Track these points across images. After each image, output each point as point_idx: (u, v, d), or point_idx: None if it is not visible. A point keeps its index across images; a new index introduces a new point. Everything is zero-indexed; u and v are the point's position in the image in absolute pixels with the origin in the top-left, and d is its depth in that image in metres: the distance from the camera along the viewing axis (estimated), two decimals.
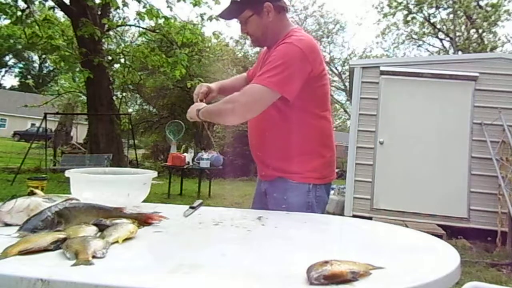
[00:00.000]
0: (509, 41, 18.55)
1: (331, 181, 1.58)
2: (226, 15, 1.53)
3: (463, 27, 18.52)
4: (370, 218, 4.75)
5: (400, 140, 5.40)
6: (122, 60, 10.62)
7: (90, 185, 1.29)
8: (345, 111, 23.83)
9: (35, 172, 9.34)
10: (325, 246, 1.02)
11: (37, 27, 8.35)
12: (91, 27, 7.76)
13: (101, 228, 0.97)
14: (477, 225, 5.01)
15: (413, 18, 18.86)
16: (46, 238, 0.85)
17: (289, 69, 1.35)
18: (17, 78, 45.11)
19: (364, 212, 5.31)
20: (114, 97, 11.89)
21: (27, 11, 8.20)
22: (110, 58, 10.26)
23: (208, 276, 0.74)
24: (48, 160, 9.57)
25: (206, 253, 0.89)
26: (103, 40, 9.75)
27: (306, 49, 1.38)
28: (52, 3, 8.92)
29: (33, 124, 27.41)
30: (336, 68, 22.45)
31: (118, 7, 8.32)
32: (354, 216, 5.07)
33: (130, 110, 16.54)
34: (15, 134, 27.82)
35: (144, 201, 1.39)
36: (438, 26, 19.09)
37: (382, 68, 5.49)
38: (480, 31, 17.71)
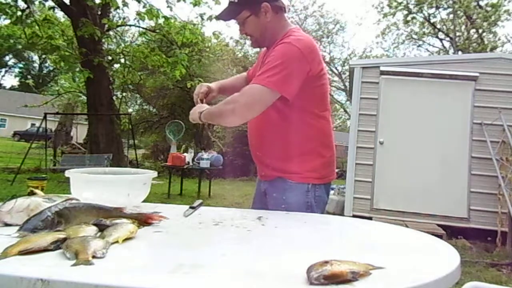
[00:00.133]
0: (509, 41, 18.57)
1: (331, 181, 1.58)
2: (224, 16, 1.54)
3: (463, 27, 18.52)
4: (370, 218, 4.75)
5: (400, 140, 5.40)
6: (122, 60, 10.62)
7: (90, 185, 1.29)
8: (345, 111, 23.84)
9: (35, 172, 9.34)
10: (325, 246, 1.02)
11: (37, 27, 8.35)
12: (91, 27, 7.77)
13: (101, 228, 0.97)
14: (477, 225, 5.01)
15: (413, 18, 18.88)
16: (46, 238, 0.85)
17: (287, 69, 1.35)
18: (17, 78, 45.21)
19: (364, 212, 5.31)
20: (114, 97, 11.89)
21: (27, 11, 8.20)
22: (110, 58, 10.26)
23: (208, 276, 0.74)
24: (48, 160, 9.57)
25: (206, 253, 0.89)
26: (103, 40, 9.75)
27: (304, 49, 1.38)
28: (52, 3, 8.92)
29: (33, 124, 27.41)
30: (336, 68, 22.46)
31: (118, 7, 8.32)
32: (354, 216, 5.07)
33: (130, 110, 16.55)
34: (15, 134, 27.83)
35: (144, 201, 1.39)
36: (438, 26, 19.10)
37: (382, 68, 5.49)
38: (480, 31, 17.71)
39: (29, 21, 8.34)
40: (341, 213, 5.40)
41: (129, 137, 10.58)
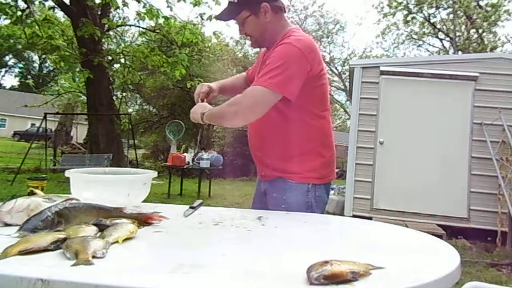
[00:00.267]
0: (509, 41, 18.58)
1: (331, 181, 1.58)
2: (224, 16, 1.53)
3: (463, 27, 18.53)
4: (370, 218, 4.75)
5: (400, 140, 5.40)
6: (122, 60, 10.62)
7: (90, 185, 1.29)
8: (345, 111, 23.84)
9: (35, 172, 9.34)
10: (325, 246, 1.02)
11: (37, 27, 8.35)
12: (91, 27, 7.76)
13: (101, 228, 0.97)
14: (477, 225, 5.01)
15: (413, 18, 18.88)
16: (46, 238, 0.85)
17: (289, 70, 1.35)
18: (17, 78, 45.22)
19: (364, 212, 5.31)
20: (114, 97, 11.90)
21: (27, 11, 8.21)
22: (110, 58, 10.26)
23: (208, 276, 0.74)
24: (48, 160, 9.57)
25: (206, 253, 0.89)
26: (103, 40, 9.75)
27: (304, 49, 1.38)
28: (52, 3, 8.92)
29: (33, 124, 27.41)
30: (336, 68, 22.47)
31: (118, 7, 8.33)
32: (354, 216, 5.07)
33: (130, 110, 16.56)
34: (15, 134, 27.83)
35: (144, 201, 1.39)
36: (438, 26, 19.11)
37: (382, 68, 5.49)
38: (480, 31, 17.71)
39: (29, 21, 8.35)
40: (341, 213, 5.40)
41: (129, 137, 10.58)
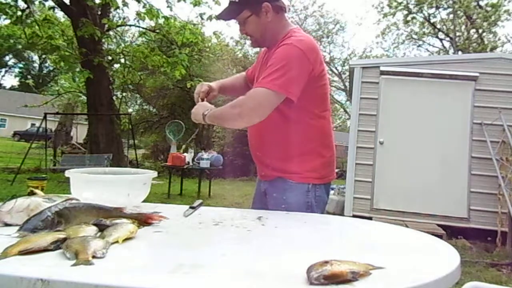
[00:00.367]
0: (509, 41, 18.58)
1: (331, 181, 1.58)
2: (225, 15, 1.53)
3: (463, 27, 18.53)
4: (370, 218, 4.75)
5: (400, 140, 5.40)
6: (122, 60, 10.62)
7: (90, 185, 1.29)
8: (345, 111, 23.84)
9: (35, 172, 9.34)
10: (325, 246, 1.02)
11: (37, 27, 8.35)
12: (91, 27, 7.77)
13: (101, 228, 0.97)
14: (477, 225, 5.01)
15: (413, 18, 18.88)
16: (46, 238, 0.85)
17: (291, 71, 1.35)
18: (17, 78, 45.22)
19: (364, 212, 5.31)
20: (114, 97, 11.89)
21: (27, 11, 8.21)
22: (110, 58, 10.26)
23: (208, 276, 0.74)
24: (48, 160, 9.57)
25: (206, 253, 0.89)
26: (103, 40, 9.75)
27: (306, 49, 1.38)
28: (52, 3, 8.92)
29: (33, 124, 27.42)
30: (336, 68, 22.47)
31: (118, 7, 8.33)
32: (354, 216, 5.07)
33: (130, 110, 16.56)
34: (15, 134, 27.83)
35: (144, 201, 1.39)
36: (438, 26, 19.11)
37: (382, 68, 5.49)
38: (480, 31, 17.72)
39: (29, 21, 8.35)
40: (341, 213, 5.40)
41: (129, 137, 10.58)
